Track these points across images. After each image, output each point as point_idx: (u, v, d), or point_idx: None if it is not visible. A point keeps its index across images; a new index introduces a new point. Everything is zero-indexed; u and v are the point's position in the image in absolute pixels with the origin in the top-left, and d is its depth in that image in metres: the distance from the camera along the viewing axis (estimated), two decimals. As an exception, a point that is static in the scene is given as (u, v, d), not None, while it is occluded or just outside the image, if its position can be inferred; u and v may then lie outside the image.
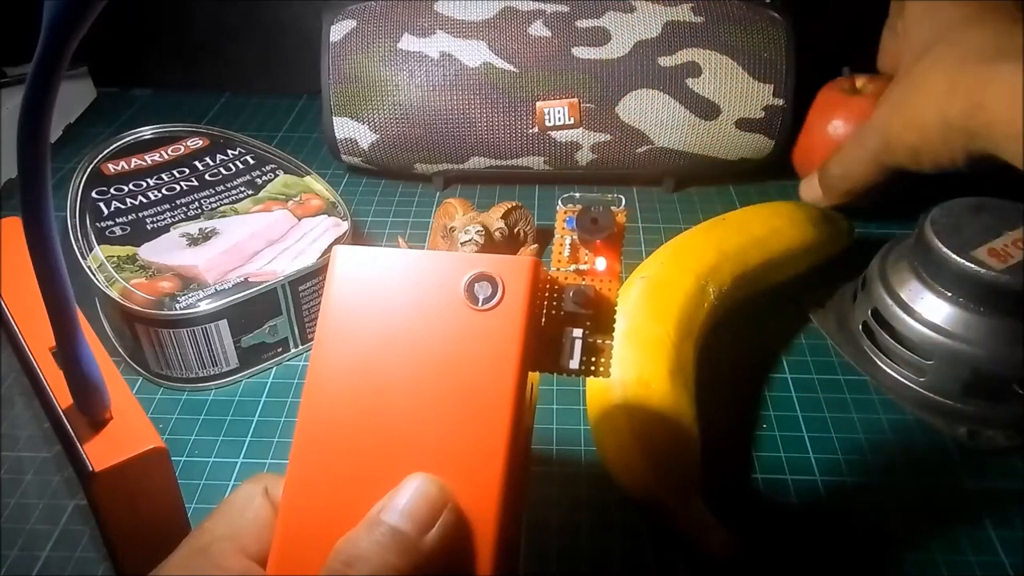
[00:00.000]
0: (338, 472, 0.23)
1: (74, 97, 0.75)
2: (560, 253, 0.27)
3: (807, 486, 0.40)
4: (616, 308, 0.26)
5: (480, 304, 0.24)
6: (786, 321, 0.51)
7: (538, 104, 0.59)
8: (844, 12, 0.68)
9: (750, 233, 0.49)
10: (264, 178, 0.54)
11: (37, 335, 0.31)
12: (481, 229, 0.50)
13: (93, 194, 0.51)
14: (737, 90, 0.58)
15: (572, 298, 0.25)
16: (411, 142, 0.60)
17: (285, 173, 0.55)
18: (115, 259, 0.46)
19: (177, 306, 0.43)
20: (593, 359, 0.26)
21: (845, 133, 0.57)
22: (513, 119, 0.59)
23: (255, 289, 0.45)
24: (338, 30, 0.60)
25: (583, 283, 0.26)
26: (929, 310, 0.43)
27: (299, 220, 0.50)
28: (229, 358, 0.46)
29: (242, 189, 0.53)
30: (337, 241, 0.49)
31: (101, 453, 0.27)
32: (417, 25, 0.59)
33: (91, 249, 0.47)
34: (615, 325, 0.26)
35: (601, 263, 0.27)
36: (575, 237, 0.27)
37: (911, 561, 0.37)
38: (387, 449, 0.23)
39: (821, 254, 0.52)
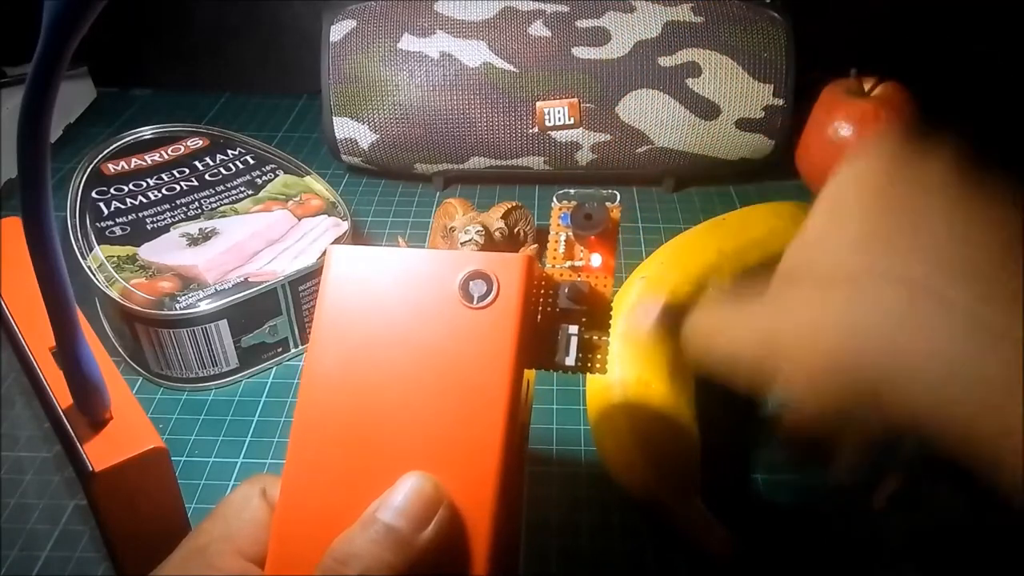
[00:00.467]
0: (334, 471, 0.23)
1: (74, 97, 0.75)
2: (555, 250, 0.27)
3: (807, 486, 0.40)
4: (612, 304, 0.26)
5: (475, 302, 0.24)
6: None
7: (538, 104, 0.59)
8: (844, 12, 0.68)
9: (749, 234, 0.49)
10: (264, 178, 0.54)
11: (37, 335, 0.31)
12: (481, 229, 0.50)
13: (93, 194, 0.51)
14: (737, 90, 0.58)
15: (567, 294, 0.25)
16: (411, 142, 0.60)
17: (285, 173, 0.55)
18: (115, 259, 0.46)
19: (177, 306, 0.43)
20: (589, 355, 0.26)
21: (848, 134, 0.57)
22: (513, 119, 0.59)
23: (255, 289, 0.45)
24: (338, 30, 0.60)
25: (578, 279, 0.26)
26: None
27: (299, 220, 0.50)
28: (229, 358, 0.46)
29: (242, 189, 0.53)
30: (337, 241, 0.49)
31: (101, 453, 0.27)
32: (417, 25, 0.59)
33: (91, 249, 0.47)
34: (611, 321, 0.26)
35: (596, 259, 0.26)
36: (570, 233, 0.27)
37: (911, 561, 0.37)
38: (383, 448, 0.23)
39: None
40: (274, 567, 0.23)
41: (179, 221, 0.50)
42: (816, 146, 0.59)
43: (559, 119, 0.59)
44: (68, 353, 0.26)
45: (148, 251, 0.47)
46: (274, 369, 0.48)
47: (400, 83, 0.59)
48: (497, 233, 0.51)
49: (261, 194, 0.52)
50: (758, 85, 0.58)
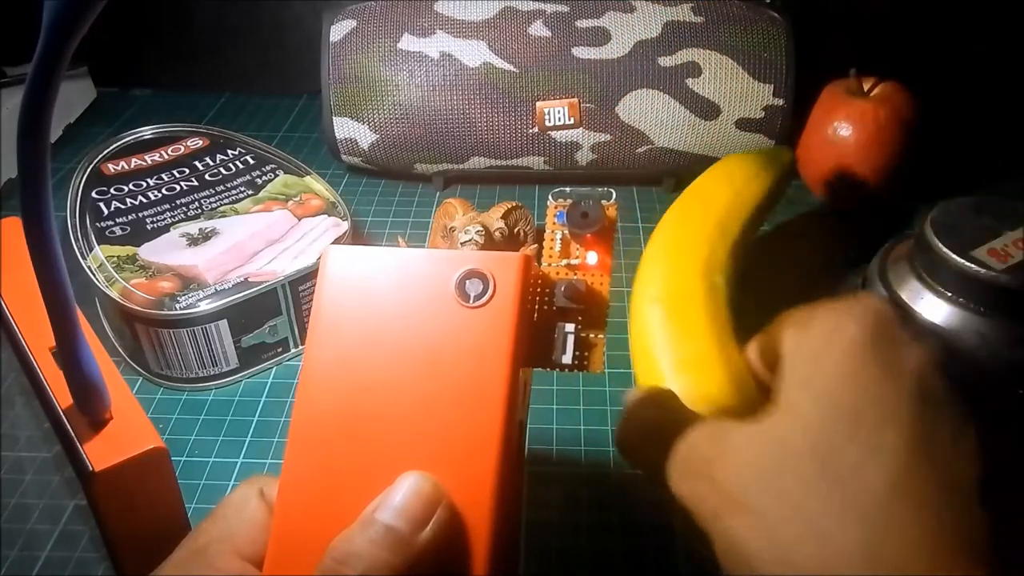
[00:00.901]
0: (332, 472, 0.23)
1: (74, 97, 0.75)
2: (551, 248, 0.27)
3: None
4: (608, 303, 0.26)
5: (471, 301, 0.24)
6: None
7: (538, 104, 0.59)
8: (844, 12, 0.68)
9: (722, 207, 0.48)
10: (264, 178, 0.54)
11: (37, 335, 0.31)
12: (481, 229, 0.50)
13: (93, 194, 0.51)
14: (737, 90, 0.58)
15: (563, 293, 0.25)
16: (411, 142, 0.60)
17: (285, 173, 0.55)
18: (115, 259, 0.46)
19: (177, 306, 0.43)
20: (586, 353, 0.26)
21: (848, 134, 0.57)
22: (513, 119, 0.59)
23: (255, 289, 0.45)
24: (338, 30, 0.60)
25: (574, 278, 0.26)
26: (929, 310, 0.43)
27: (299, 220, 0.50)
28: (229, 358, 0.46)
29: (242, 189, 0.53)
30: (337, 241, 0.49)
31: (101, 453, 0.27)
32: (417, 25, 0.59)
33: (91, 249, 0.47)
34: (607, 319, 0.26)
35: (592, 257, 0.26)
36: (566, 232, 0.27)
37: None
38: (381, 448, 0.23)
39: (782, 188, 0.52)
40: (273, 567, 0.23)
41: (179, 221, 0.50)
42: (816, 146, 0.59)
43: (559, 119, 0.59)
44: (68, 353, 0.26)
45: (148, 251, 0.47)
46: (274, 369, 0.48)
47: (400, 83, 0.59)
48: (497, 233, 0.51)
49: (261, 194, 0.52)
50: (758, 85, 0.58)
